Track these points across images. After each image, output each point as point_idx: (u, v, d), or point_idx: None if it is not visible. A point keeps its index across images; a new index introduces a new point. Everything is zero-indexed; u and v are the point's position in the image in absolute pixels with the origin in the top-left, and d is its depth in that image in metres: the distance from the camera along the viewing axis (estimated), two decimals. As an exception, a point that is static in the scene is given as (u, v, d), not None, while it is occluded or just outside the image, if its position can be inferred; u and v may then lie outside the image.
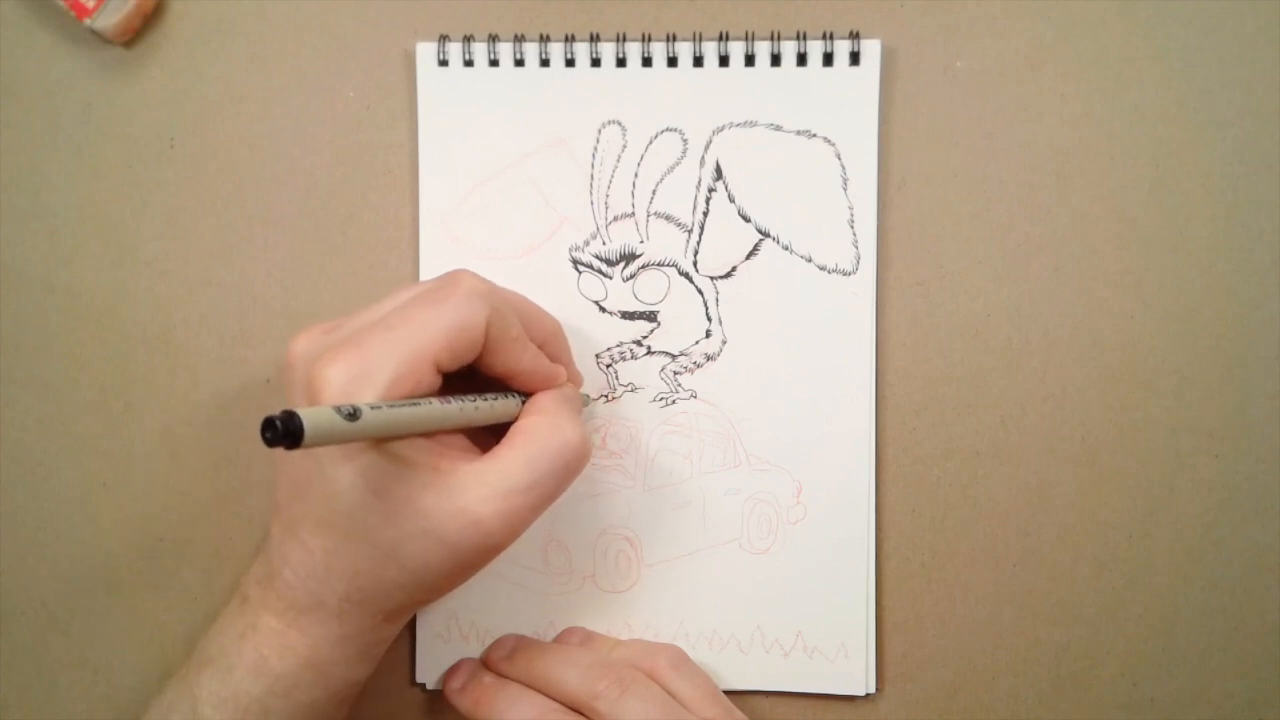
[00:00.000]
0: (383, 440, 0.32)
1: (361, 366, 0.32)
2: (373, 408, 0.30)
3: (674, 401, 0.42)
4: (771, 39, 0.41)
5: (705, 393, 0.42)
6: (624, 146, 0.42)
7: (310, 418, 0.28)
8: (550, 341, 0.38)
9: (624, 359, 0.42)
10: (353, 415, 0.29)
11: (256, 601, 0.36)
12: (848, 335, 0.41)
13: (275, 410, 0.27)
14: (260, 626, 0.35)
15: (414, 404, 0.32)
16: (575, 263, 0.42)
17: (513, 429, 0.35)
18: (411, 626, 0.42)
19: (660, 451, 0.42)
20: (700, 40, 0.41)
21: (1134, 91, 0.41)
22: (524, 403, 0.37)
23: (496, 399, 0.36)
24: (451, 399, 0.34)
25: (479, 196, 0.42)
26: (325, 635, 0.35)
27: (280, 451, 0.32)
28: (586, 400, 0.42)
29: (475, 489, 0.33)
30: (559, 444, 0.34)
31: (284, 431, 0.27)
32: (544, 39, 0.41)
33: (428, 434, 0.34)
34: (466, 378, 0.36)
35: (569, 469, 0.34)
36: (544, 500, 0.34)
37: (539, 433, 0.34)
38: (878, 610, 0.42)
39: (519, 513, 0.33)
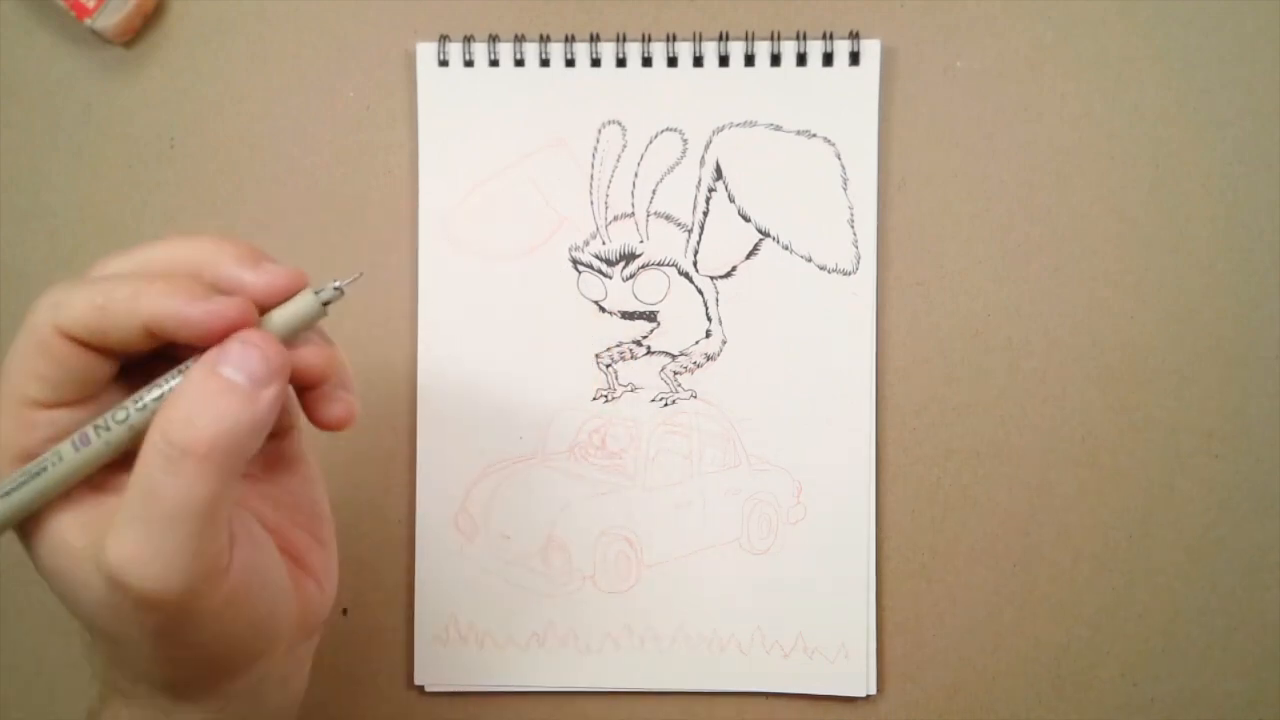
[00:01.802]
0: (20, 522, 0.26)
1: None
2: None
3: (674, 401, 0.42)
4: (771, 39, 0.41)
5: (705, 393, 0.42)
6: (624, 146, 0.42)
7: None
8: (194, 259, 0.27)
9: (624, 359, 0.42)
10: None
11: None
12: (848, 335, 0.41)
13: None
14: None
15: (31, 476, 0.26)
16: (575, 262, 0.42)
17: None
18: (410, 627, 0.42)
19: (660, 451, 0.42)
20: (700, 40, 0.41)
21: (1134, 91, 0.41)
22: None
23: (115, 413, 0.26)
24: (88, 432, 0.26)
25: (479, 196, 0.42)
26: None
27: None
28: (335, 294, 0.29)
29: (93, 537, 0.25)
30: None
31: None
32: (544, 39, 0.41)
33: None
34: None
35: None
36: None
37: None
38: (878, 610, 0.42)
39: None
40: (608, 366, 0.42)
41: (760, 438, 0.42)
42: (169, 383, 0.26)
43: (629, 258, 0.42)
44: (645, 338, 0.42)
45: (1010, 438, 0.42)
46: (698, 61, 0.41)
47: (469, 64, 0.42)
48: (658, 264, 0.42)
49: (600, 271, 0.42)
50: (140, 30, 0.42)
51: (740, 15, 0.41)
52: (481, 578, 0.42)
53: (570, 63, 0.42)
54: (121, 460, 0.26)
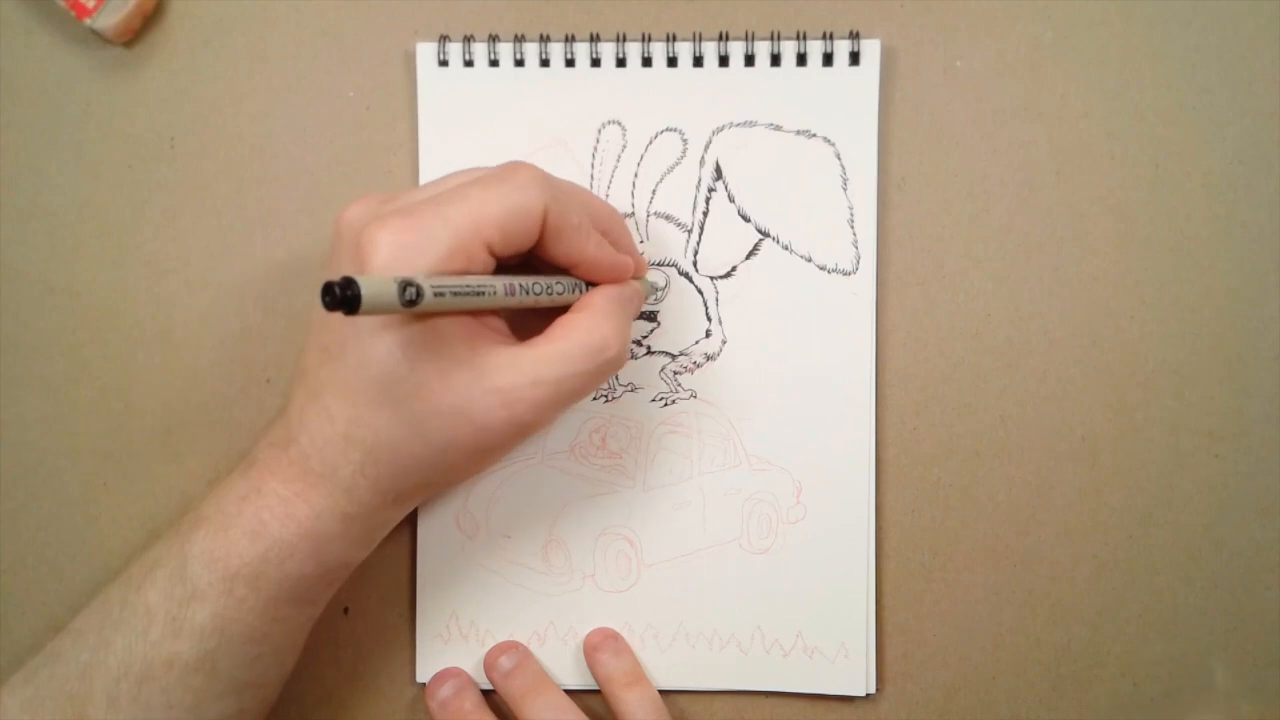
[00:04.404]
0: (430, 314, 0.32)
1: (414, 237, 0.31)
2: (435, 287, 0.30)
3: (674, 401, 0.42)
4: (771, 39, 0.41)
5: (705, 393, 0.42)
6: (624, 146, 0.42)
7: (370, 286, 0.27)
8: (611, 230, 0.37)
9: (624, 359, 0.42)
10: (413, 292, 0.28)
11: (265, 466, 0.35)
12: (848, 335, 0.41)
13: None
14: (265, 491, 0.35)
15: (475, 282, 0.32)
16: (575, 263, 0.42)
17: (556, 322, 0.35)
18: (412, 625, 0.42)
19: (660, 451, 0.42)
20: (700, 40, 0.41)
21: (1134, 91, 0.41)
22: (586, 290, 0.37)
23: (557, 283, 0.35)
24: (514, 280, 0.34)
25: (479, 196, 0.42)
26: (331, 508, 0.34)
27: (315, 314, 0.33)
28: (653, 290, 0.41)
29: (509, 373, 0.33)
30: (596, 344, 0.34)
31: (341, 298, 0.27)
32: (544, 39, 0.41)
33: (473, 312, 0.34)
34: (527, 267, 0.36)
35: (599, 371, 0.34)
36: (572, 395, 0.34)
37: (578, 329, 0.34)
38: (878, 610, 0.42)
39: (547, 403, 0.33)
40: (608, 366, 0.42)
41: (760, 438, 0.42)
42: (559, 282, 0.35)
43: (629, 258, 0.42)
44: (645, 338, 0.42)
45: (1010, 438, 0.42)
46: (698, 61, 0.41)
47: (469, 64, 0.42)
48: (658, 264, 0.42)
49: (600, 271, 0.42)
50: (140, 30, 0.42)
51: (740, 15, 0.41)
52: (482, 576, 0.42)
53: (570, 63, 0.42)
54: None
